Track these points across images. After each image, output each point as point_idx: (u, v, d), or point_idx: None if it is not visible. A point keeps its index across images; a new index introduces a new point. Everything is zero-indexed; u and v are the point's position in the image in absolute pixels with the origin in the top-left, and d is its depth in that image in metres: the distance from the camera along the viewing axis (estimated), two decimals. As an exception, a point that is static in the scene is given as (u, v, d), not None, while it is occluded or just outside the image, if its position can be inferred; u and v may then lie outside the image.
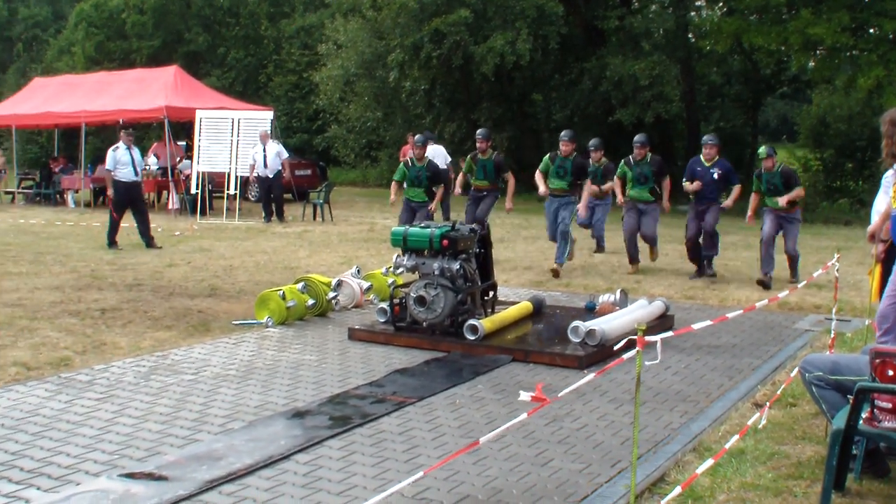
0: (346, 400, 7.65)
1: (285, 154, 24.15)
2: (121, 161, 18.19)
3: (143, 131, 41.85)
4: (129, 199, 18.42)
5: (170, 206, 26.76)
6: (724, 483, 5.75)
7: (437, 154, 23.70)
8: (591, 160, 16.76)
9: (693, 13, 32.57)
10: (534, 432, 6.78)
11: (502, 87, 33.25)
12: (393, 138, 37.00)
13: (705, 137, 15.08)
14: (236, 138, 24.51)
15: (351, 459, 6.19)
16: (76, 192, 30.75)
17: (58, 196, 31.22)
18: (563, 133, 14.87)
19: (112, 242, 18.08)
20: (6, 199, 32.68)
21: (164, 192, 28.54)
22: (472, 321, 9.47)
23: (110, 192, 18.57)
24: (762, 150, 13.88)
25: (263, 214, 23.98)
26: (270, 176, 23.74)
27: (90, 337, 9.94)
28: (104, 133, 39.54)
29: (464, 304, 9.74)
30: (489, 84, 32.41)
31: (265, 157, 23.73)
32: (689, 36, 31.06)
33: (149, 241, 18.13)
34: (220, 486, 5.67)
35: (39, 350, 9.29)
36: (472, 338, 9.39)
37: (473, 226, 10.33)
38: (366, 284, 11.99)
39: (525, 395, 8.03)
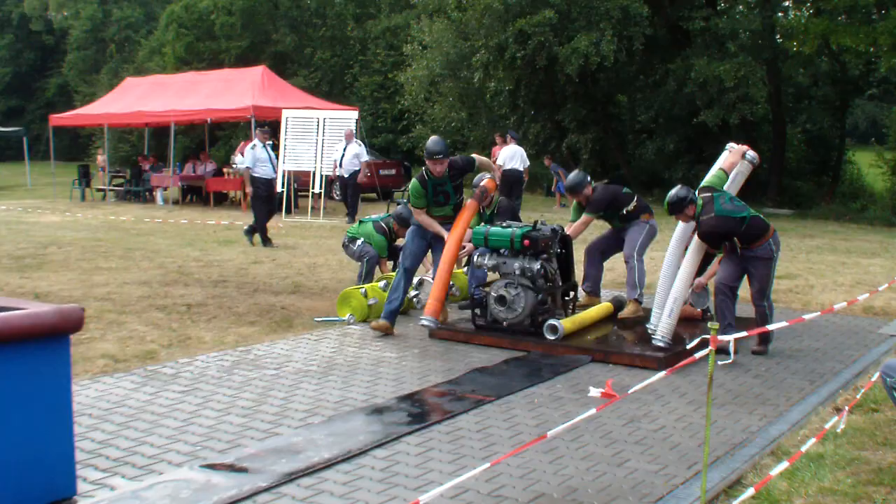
0: (425, 397, 7.72)
1: (365, 156, 24.18)
2: (260, 158, 18.42)
3: (229, 130, 42.42)
4: (268, 196, 18.66)
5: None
6: (802, 487, 5.71)
7: (515, 155, 23.71)
8: None
9: (780, 14, 32.13)
10: (611, 433, 6.79)
11: (586, 89, 33.13)
12: (477, 139, 37.06)
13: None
14: (322, 138, 24.72)
15: (428, 456, 6.25)
16: (165, 189, 31.30)
17: (147, 193, 31.76)
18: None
19: (266, 240, 18.25)
20: (98, 196, 33.34)
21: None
22: (552, 321, 9.48)
23: (249, 189, 18.74)
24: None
25: (347, 213, 24.13)
26: (345, 176, 23.83)
27: (176, 331, 10.15)
28: (192, 132, 40.15)
29: (544, 304, 9.74)
30: (573, 85, 32.30)
31: (342, 156, 23.83)
32: (776, 37, 30.65)
33: (265, 240, 18.29)
34: (298, 478, 5.76)
35: (127, 343, 9.51)
36: (552, 337, 9.40)
37: (555, 226, 10.32)
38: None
39: (595, 392, 8.05)
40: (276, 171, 18.73)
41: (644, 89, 32.74)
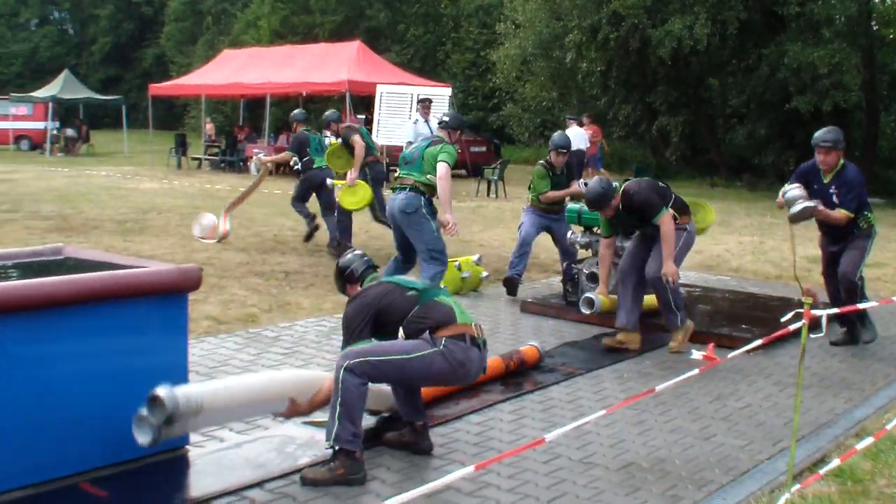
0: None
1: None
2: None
3: (323, 104, 42.93)
4: None
5: (349, 177, 27.38)
6: (886, 469, 5.84)
7: (577, 136, 23.89)
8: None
9: (876, 0, 31.65)
10: (698, 408, 6.97)
11: (678, 72, 32.98)
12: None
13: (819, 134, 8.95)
14: (415, 113, 24.93)
15: (521, 423, 6.49)
16: (259, 159, 31.85)
17: (241, 163, 32.34)
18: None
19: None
20: (193, 165, 34.01)
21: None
22: (588, 294, 9.59)
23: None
24: None
25: None
26: None
27: (275, 297, 10.51)
28: (286, 104, 40.67)
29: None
30: (665, 68, 32.19)
31: (430, 129, 23.87)
32: (872, 24, 30.23)
33: None
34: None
35: (228, 306, 9.89)
36: (588, 311, 9.47)
37: None
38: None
39: (697, 354, 8.33)
40: None
41: (736, 73, 32.51)
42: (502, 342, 8.80)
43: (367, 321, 5.63)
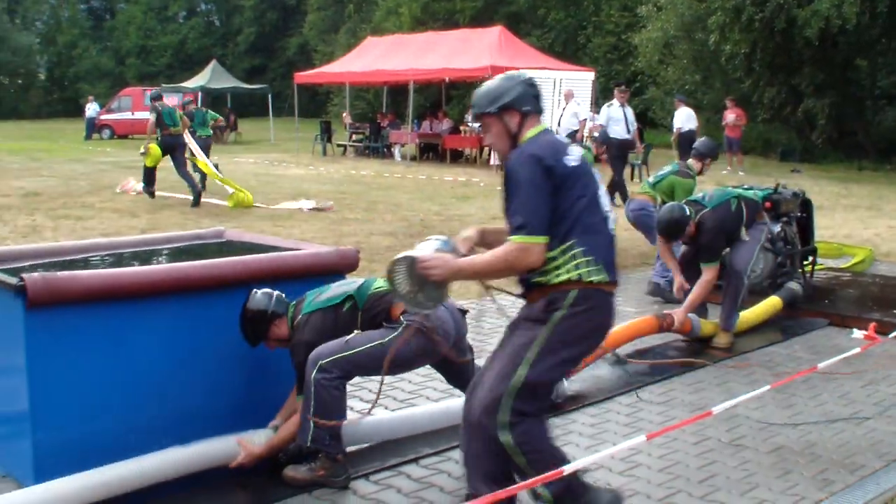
0: (665, 351, 8.04)
1: (583, 115, 24.11)
2: (613, 118, 18.79)
3: (464, 90, 43.16)
4: (622, 157, 18.79)
5: (491, 162, 27.65)
6: None
7: (690, 117, 23.65)
8: None
9: None
10: (849, 393, 6.94)
11: (825, 52, 32.25)
12: (710, 102, 36.58)
13: None
14: (557, 98, 24.96)
15: (670, 405, 6.57)
16: (402, 146, 32.26)
17: (385, 149, 32.81)
18: None
19: (625, 197, 18.13)
20: (338, 152, 34.62)
21: (486, 149, 29.35)
22: (790, 284, 9.56)
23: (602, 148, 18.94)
24: None
25: None
26: (564, 135, 23.79)
27: (424, 279, 10.70)
28: (428, 91, 41.05)
29: (783, 267, 9.85)
30: (811, 49, 31.49)
31: (561, 116, 23.89)
32: None
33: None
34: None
35: (380, 289, 10.12)
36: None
37: (797, 189, 10.38)
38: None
39: (858, 333, 8.30)
40: (630, 133, 18.85)
41: (886, 53, 31.71)
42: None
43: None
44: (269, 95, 44.36)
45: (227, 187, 18.13)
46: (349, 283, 5.39)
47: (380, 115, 36.05)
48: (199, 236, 6.78)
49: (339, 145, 35.20)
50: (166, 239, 6.68)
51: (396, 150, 32.22)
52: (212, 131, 22.04)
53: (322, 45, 62.23)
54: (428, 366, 5.40)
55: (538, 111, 4.38)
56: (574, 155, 4.22)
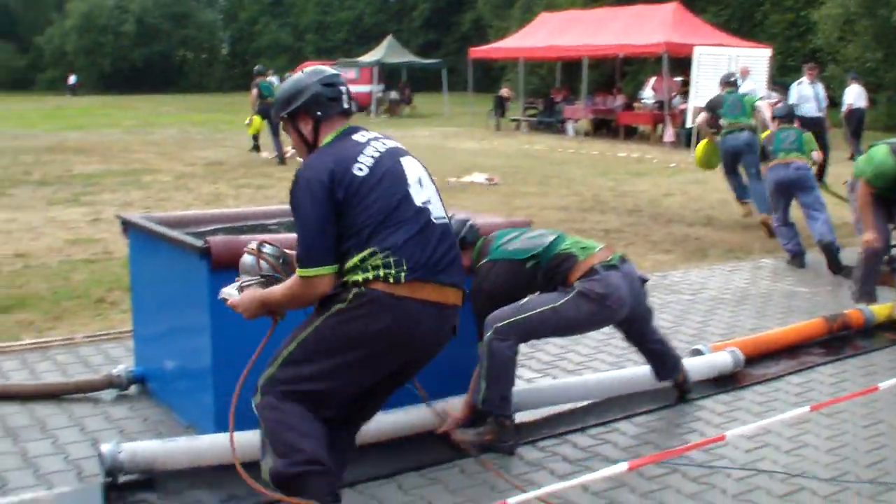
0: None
1: (760, 93, 23.54)
2: (803, 96, 18.69)
3: (637, 66, 42.75)
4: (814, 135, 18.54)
5: (665, 139, 27.41)
6: None
7: (861, 95, 22.88)
8: None
9: None
10: None
11: None
12: (892, 80, 35.43)
13: None
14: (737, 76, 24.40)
15: (841, 386, 6.48)
16: (576, 121, 32.19)
17: (559, 125, 32.79)
18: None
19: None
20: (511, 126, 34.77)
21: (660, 126, 29.11)
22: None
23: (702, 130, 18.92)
24: None
25: None
26: None
27: (596, 254, 10.78)
28: (601, 67, 40.75)
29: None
30: None
31: (815, 92, 23.29)
32: None
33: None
34: (716, 395, 6.24)
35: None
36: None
37: None
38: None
39: None
40: (821, 111, 18.69)
41: None
42: (822, 305, 8.72)
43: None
44: (444, 70, 44.73)
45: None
46: (540, 237, 5.42)
47: (553, 91, 36.03)
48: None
49: (512, 120, 35.31)
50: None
51: (569, 126, 32.16)
52: None
53: (496, 20, 62.29)
54: (603, 332, 5.49)
55: (341, 112, 4.17)
56: (367, 160, 3.97)
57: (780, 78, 28.26)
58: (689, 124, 25.73)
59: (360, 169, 3.93)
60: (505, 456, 5.13)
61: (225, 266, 4.63)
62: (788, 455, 5.25)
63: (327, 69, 4.25)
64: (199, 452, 4.71)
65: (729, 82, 13.44)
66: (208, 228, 5.93)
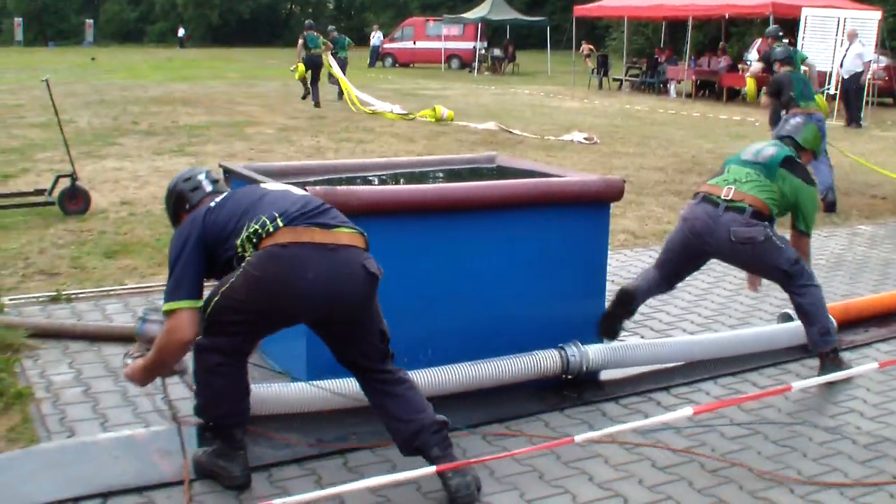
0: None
1: (868, 56, 23.09)
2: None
3: (743, 27, 42.07)
4: None
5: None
6: None
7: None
8: None
9: None
10: None
11: None
12: None
13: None
14: (841, 38, 24.01)
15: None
16: (678, 82, 31.87)
17: (661, 85, 32.51)
18: None
19: None
20: (614, 86, 34.54)
21: (763, 88, 28.61)
22: None
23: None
24: None
25: (847, 118, 23.22)
26: (845, 77, 22.94)
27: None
28: (707, 28, 40.18)
29: None
30: None
31: (844, 57, 23.00)
32: None
33: None
34: (801, 359, 6.22)
35: (645, 222, 10.30)
36: None
37: None
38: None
39: None
40: None
41: None
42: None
43: None
44: (548, 28, 44.52)
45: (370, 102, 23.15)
46: None
47: (657, 51, 35.68)
48: (472, 161, 7.09)
49: (615, 79, 35.09)
50: (440, 161, 7.04)
51: (672, 87, 31.86)
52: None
53: (603, -22, 61.71)
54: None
55: (207, 194, 4.36)
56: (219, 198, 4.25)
57: (893, 42, 27.62)
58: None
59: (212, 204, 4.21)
60: (582, 410, 5.25)
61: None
62: (874, 422, 5.24)
63: (184, 172, 4.59)
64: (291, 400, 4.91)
65: (783, 58, 12.18)
66: (308, 179, 6.08)
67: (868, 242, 9.94)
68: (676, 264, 6.21)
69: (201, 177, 4.45)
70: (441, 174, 6.57)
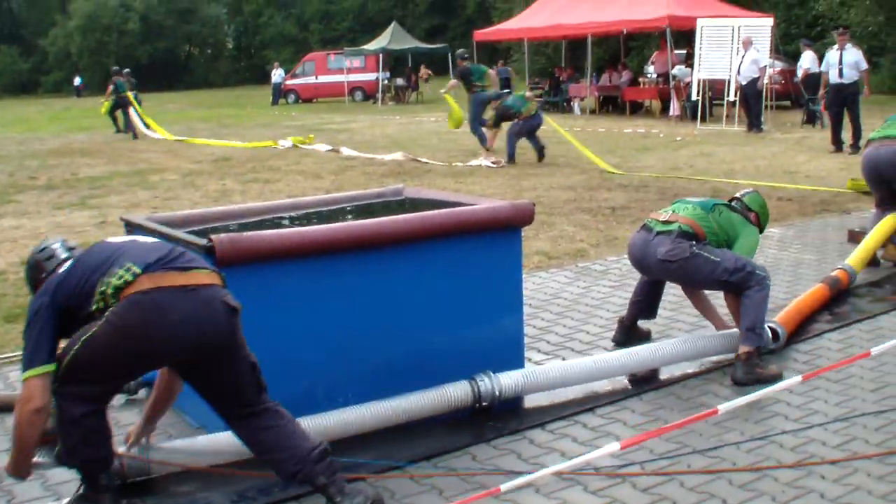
0: (844, 296, 7.87)
1: (763, 62, 23.51)
2: (831, 63, 18.64)
3: (642, 41, 42.62)
4: (836, 101, 18.68)
5: (670, 113, 27.33)
6: None
7: (815, 60, 23.19)
8: None
9: None
10: None
11: None
12: (894, 44, 35.29)
13: None
14: (736, 46, 24.37)
15: (849, 353, 6.43)
16: (582, 99, 32.15)
17: (565, 103, 32.76)
18: None
19: (837, 143, 18.51)
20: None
21: (666, 99, 29.01)
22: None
23: (822, 91, 19.45)
24: None
25: (748, 123, 23.53)
26: (743, 83, 23.29)
27: (602, 231, 10.79)
28: (606, 44, 40.64)
29: None
30: None
31: (741, 63, 23.37)
32: None
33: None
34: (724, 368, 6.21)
35: (558, 242, 10.26)
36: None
37: None
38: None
39: None
40: (844, 76, 18.55)
41: None
42: (828, 272, 8.64)
43: None
44: (449, 54, 44.68)
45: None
46: None
47: (558, 70, 35.97)
48: (380, 194, 7.00)
49: (518, 101, 35.28)
50: (348, 198, 6.93)
51: (576, 104, 32.13)
52: None
53: (500, 1, 62.13)
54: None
55: (62, 260, 4.42)
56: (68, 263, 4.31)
57: (786, 46, 28.18)
58: (694, 97, 25.66)
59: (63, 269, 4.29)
60: (516, 439, 5.16)
61: (229, 263, 4.62)
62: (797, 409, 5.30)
63: (40, 243, 4.63)
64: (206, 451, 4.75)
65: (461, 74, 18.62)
66: (214, 226, 5.94)
67: (778, 245, 10.01)
68: (645, 305, 6.79)
69: (55, 245, 4.54)
70: (349, 211, 6.46)
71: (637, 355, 6.01)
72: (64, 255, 4.44)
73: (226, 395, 4.27)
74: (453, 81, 21.09)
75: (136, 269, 4.01)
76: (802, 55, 24.33)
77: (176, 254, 4.19)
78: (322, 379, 4.99)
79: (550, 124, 18.66)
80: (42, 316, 4.08)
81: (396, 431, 5.16)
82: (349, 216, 6.26)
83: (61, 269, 4.28)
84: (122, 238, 4.49)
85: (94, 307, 4.03)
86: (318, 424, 4.80)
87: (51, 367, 4.01)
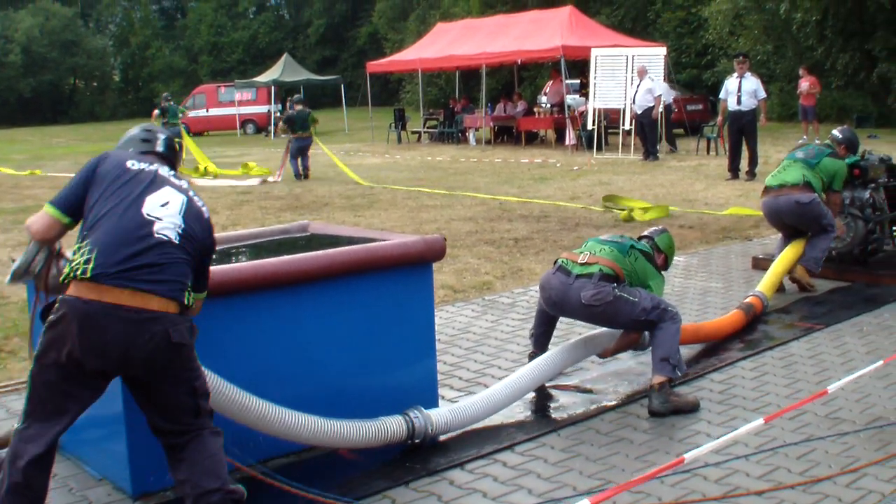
0: (755, 325, 7.91)
1: (658, 91, 23.86)
2: (729, 91, 18.88)
3: (535, 71, 42.97)
4: (735, 129, 18.93)
5: (566, 142, 27.50)
6: None
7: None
8: None
9: None
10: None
11: (898, 15, 31.60)
12: (783, 71, 36.10)
13: None
14: (630, 75, 24.68)
15: (763, 380, 6.47)
16: (477, 130, 32.23)
17: (460, 134, 32.84)
18: None
19: (734, 170, 18.77)
20: (412, 139, 34.70)
21: (562, 128, 29.22)
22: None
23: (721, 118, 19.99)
24: None
25: (644, 150, 23.80)
26: (638, 112, 23.64)
27: (507, 263, 10.72)
28: (499, 74, 40.88)
29: (873, 234, 9.64)
30: (885, 12, 30.90)
31: (636, 92, 23.71)
32: None
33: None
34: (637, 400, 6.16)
35: (463, 275, 10.15)
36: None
37: (883, 155, 10.16)
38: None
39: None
40: (742, 103, 18.77)
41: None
42: (736, 299, 8.70)
43: None
44: (342, 86, 44.58)
45: None
46: None
47: (452, 101, 36.07)
48: (285, 231, 6.83)
49: (413, 132, 35.28)
50: (252, 235, 6.74)
51: (471, 135, 32.20)
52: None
53: (392, 32, 62.30)
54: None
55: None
56: (132, 164, 4.31)
57: (678, 75, 28.62)
58: (590, 126, 25.87)
59: (124, 166, 4.28)
60: (435, 481, 5.02)
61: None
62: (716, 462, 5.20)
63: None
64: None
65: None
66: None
67: (683, 273, 10.04)
68: (549, 335, 6.67)
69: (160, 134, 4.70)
70: (255, 248, 6.27)
71: (549, 362, 6.09)
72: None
73: (157, 413, 4.16)
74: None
75: (92, 264, 3.94)
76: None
77: (145, 262, 4.00)
78: (230, 420, 4.80)
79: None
80: (81, 173, 4.32)
81: (306, 472, 5.02)
82: (255, 254, 6.07)
83: (115, 152, 4.43)
84: (146, 176, 4.30)
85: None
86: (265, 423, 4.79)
87: (58, 215, 4.29)
